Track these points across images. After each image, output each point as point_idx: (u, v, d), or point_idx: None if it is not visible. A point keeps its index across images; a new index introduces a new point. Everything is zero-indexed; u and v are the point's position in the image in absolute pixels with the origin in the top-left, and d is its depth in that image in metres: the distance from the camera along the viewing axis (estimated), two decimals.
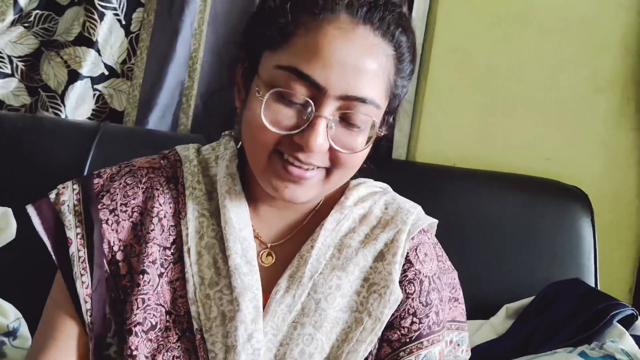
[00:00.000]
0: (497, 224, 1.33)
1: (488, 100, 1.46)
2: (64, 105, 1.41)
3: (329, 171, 0.72)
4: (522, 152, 1.46)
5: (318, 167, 0.71)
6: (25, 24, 1.42)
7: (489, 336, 1.18)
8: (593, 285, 1.27)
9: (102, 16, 1.39)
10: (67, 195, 0.79)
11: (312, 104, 0.67)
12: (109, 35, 1.42)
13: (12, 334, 1.11)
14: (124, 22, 1.43)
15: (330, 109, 0.68)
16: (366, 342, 0.74)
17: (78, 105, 1.43)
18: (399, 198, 0.85)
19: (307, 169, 0.70)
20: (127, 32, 1.44)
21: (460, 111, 1.46)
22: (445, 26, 1.44)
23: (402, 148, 1.47)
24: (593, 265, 1.29)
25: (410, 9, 1.42)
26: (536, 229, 1.33)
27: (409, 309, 0.77)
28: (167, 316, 0.74)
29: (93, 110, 1.46)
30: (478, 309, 1.22)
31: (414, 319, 0.77)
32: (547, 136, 1.45)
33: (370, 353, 0.75)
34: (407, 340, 0.76)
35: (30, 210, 0.78)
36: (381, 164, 1.43)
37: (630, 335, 1.05)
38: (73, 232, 0.76)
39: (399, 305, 0.76)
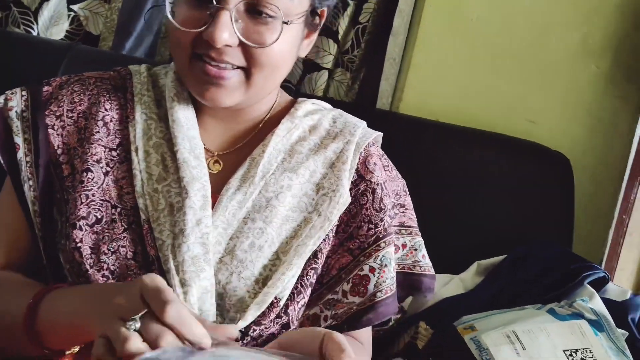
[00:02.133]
0: (476, 181, 1.31)
1: (476, 55, 1.42)
2: (37, 23, 1.35)
3: (248, 72, 0.74)
4: (506, 112, 1.43)
5: (235, 68, 0.73)
6: None
7: (457, 290, 1.16)
8: None
9: None
10: (16, 101, 0.81)
11: None
12: None
13: None
14: None
15: (233, 0, 0.69)
16: (314, 238, 0.78)
17: (51, 25, 1.36)
18: (345, 114, 0.90)
19: (225, 68, 0.72)
20: None
21: (447, 65, 1.42)
22: None
23: (387, 98, 1.43)
24: (569, 230, 1.28)
25: None
26: (515, 189, 1.31)
27: (364, 218, 0.82)
28: (113, 210, 0.76)
29: (67, 31, 1.39)
30: (448, 263, 1.20)
31: (370, 225, 0.82)
32: (532, 97, 1.43)
33: (319, 251, 0.78)
34: (366, 245, 0.81)
35: None
36: (365, 112, 1.41)
37: (600, 297, 1.05)
38: (21, 137, 0.79)
39: (356, 217, 0.82)
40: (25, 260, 0.80)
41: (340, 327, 0.80)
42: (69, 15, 1.37)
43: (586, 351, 0.93)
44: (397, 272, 0.86)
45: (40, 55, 1.25)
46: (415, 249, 0.88)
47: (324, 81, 1.42)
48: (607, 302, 1.04)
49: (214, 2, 0.69)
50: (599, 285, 1.08)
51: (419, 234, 0.90)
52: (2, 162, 0.79)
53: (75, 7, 1.38)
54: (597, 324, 0.97)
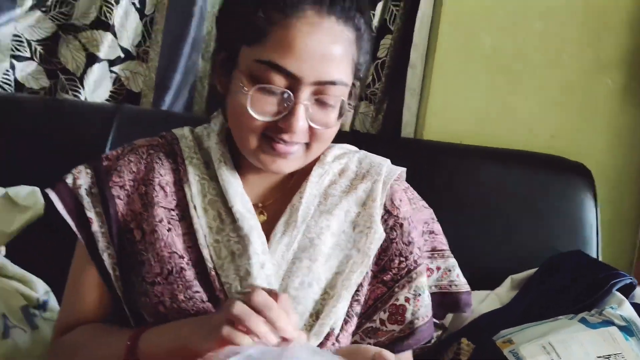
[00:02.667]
0: (503, 198, 1.38)
1: (493, 79, 1.50)
2: (83, 88, 1.46)
3: (308, 145, 0.83)
4: (527, 129, 1.50)
5: (299, 144, 0.82)
6: (43, 9, 1.46)
7: (493, 306, 1.23)
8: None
9: (117, 0, 1.43)
10: (82, 179, 0.89)
11: (291, 93, 0.78)
12: (125, 18, 1.46)
13: (42, 306, 1.17)
14: (138, 6, 1.47)
15: (306, 95, 0.79)
16: (356, 273, 0.86)
17: (96, 88, 1.48)
18: (369, 155, 0.97)
19: (291, 146, 0.81)
20: (142, 15, 1.48)
21: (466, 90, 1.50)
22: (452, 7, 1.48)
23: (410, 126, 1.52)
24: (595, 239, 1.34)
25: None
26: (541, 203, 1.38)
27: (395, 252, 0.90)
28: (180, 259, 0.84)
29: (111, 92, 1.50)
30: (484, 280, 1.27)
31: (401, 258, 0.90)
32: (552, 114, 1.50)
33: (361, 285, 0.87)
34: (399, 277, 0.89)
35: (51, 194, 0.89)
36: (390, 142, 1.50)
37: (630, 303, 1.11)
38: (92, 212, 0.87)
39: (387, 250, 0.90)
40: (107, 315, 0.90)
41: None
42: (111, 77, 1.49)
43: (618, 356, 1.00)
44: (435, 293, 0.93)
45: (91, 118, 1.36)
46: (449, 270, 0.95)
47: (349, 116, 1.51)
48: (636, 307, 1.10)
49: (292, 97, 0.78)
50: (627, 291, 1.13)
51: (451, 255, 0.96)
52: (79, 236, 0.88)
53: (116, 69, 1.49)
54: (627, 330, 1.03)
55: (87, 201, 0.88)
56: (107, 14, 1.43)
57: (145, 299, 0.84)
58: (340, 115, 0.83)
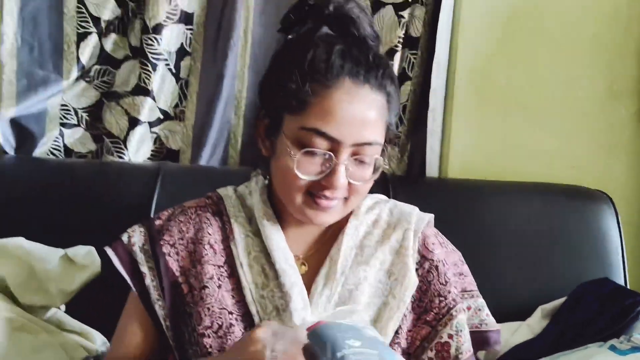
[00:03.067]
0: (527, 230, 1.44)
1: (510, 115, 1.57)
2: (127, 149, 1.57)
3: (346, 199, 0.92)
4: (547, 161, 1.57)
5: (338, 198, 0.91)
6: (87, 79, 1.58)
7: (526, 336, 1.28)
8: (622, 283, 1.36)
9: (154, 67, 1.55)
10: (137, 237, 0.99)
11: (333, 154, 0.87)
12: (162, 83, 1.58)
13: (100, 357, 1.26)
14: (174, 71, 1.59)
15: (346, 155, 0.87)
16: (393, 319, 0.92)
17: (139, 148, 1.58)
18: (398, 204, 1.05)
19: (332, 200, 0.90)
20: (177, 79, 1.59)
21: (485, 128, 1.57)
22: (465, 50, 1.56)
23: (435, 166, 1.59)
24: (621, 265, 1.39)
25: (434, 39, 1.54)
26: (565, 233, 1.43)
27: (434, 292, 0.96)
28: (230, 315, 0.92)
29: (152, 151, 1.61)
30: (515, 312, 1.33)
31: (440, 297, 0.96)
32: (570, 145, 1.56)
33: (400, 328, 0.93)
34: (440, 316, 0.95)
35: (109, 251, 0.99)
36: (416, 183, 1.57)
37: None
38: (145, 267, 0.96)
39: (427, 292, 0.96)
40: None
41: None
42: (151, 137, 1.60)
43: None
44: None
45: (137, 177, 1.46)
46: (479, 309, 1.01)
47: None
48: None
49: (333, 159, 0.86)
50: None
51: (480, 295, 1.02)
52: (134, 289, 0.96)
53: (155, 129, 1.60)
54: None
55: (140, 257, 0.96)
56: (146, 80, 1.55)
57: (195, 348, 0.91)
58: (375, 170, 0.91)
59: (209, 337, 0.91)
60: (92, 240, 1.32)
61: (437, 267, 0.97)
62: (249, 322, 0.92)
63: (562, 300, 1.32)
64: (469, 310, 1.00)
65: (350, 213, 0.99)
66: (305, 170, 0.87)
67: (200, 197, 1.05)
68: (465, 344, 0.95)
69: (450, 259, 1.01)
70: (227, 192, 1.04)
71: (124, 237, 0.99)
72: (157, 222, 0.99)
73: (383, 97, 0.90)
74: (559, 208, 1.46)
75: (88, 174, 1.48)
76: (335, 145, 0.86)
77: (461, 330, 0.95)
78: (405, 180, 1.58)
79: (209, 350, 0.90)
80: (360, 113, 0.86)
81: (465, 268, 1.04)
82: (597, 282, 1.30)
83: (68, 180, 1.46)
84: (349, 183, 0.89)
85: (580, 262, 1.40)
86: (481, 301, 1.02)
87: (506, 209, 1.46)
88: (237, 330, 0.91)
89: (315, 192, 0.89)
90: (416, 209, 1.04)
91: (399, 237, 0.98)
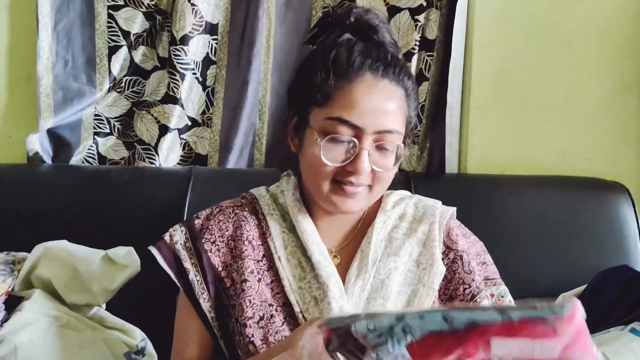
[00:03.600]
0: (547, 222, 1.48)
1: (525, 110, 1.61)
2: (158, 155, 1.64)
3: (371, 187, 0.96)
4: (563, 154, 1.61)
5: (363, 185, 0.95)
6: (118, 89, 1.66)
7: None
8: None
9: (182, 76, 1.62)
10: (178, 235, 1.04)
11: (356, 141, 0.92)
12: (190, 91, 1.65)
13: (141, 352, 1.32)
14: (200, 79, 1.66)
15: (369, 142, 0.93)
16: (424, 306, 0.97)
17: (169, 154, 1.66)
18: (423, 198, 1.11)
19: (357, 187, 0.94)
20: (204, 87, 1.67)
21: (502, 124, 1.62)
22: (480, 50, 1.61)
23: (454, 162, 1.64)
24: (638, 254, 1.42)
25: (449, 41, 1.60)
26: (584, 223, 1.47)
27: (458, 281, 1.01)
28: (270, 307, 0.97)
29: (181, 156, 1.68)
30: (537, 301, 1.36)
31: (465, 285, 1.01)
32: (584, 138, 1.60)
33: None
34: (466, 302, 1.00)
35: (153, 250, 1.04)
36: (436, 179, 1.62)
37: None
38: (189, 263, 1.02)
39: (452, 281, 1.01)
40: (210, 355, 1.03)
41: None
42: (181, 143, 1.67)
43: None
44: None
45: (169, 181, 1.53)
46: (502, 296, 1.04)
47: None
48: None
49: (357, 144, 0.92)
50: None
51: (502, 283, 1.06)
52: (179, 284, 1.02)
53: (184, 136, 1.68)
54: None
55: (183, 254, 1.02)
56: (175, 89, 1.62)
57: (239, 338, 0.97)
58: (397, 159, 0.96)
59: (251, 327, 0.96)
60: (130, 241, 1.39)
61: (461, 257, 1.02)
62: (288, 312, 0.97)
63: (582, 287, 1.36)
64: (492, 297, 1.04)
65: (378, 209, 1.05)
66: (331, 157, 0.93)
67: (235, 198, 1.11)
68: None
69: (473, 249, 1.06)
70: (260, 192, 1.10)
71: (166, 237, 1.05)
72: (197, 222, 1.05)
73: (401, 90, 0.96)
74: (577, 199, 1.50)
75: (123, 179, 1.54)
76: (358, 133, 0.92)
77: None
78: (425, 176, 1.63)
79: (252, 339, 0.95)
80: (380, 103, 0.93)
81: (488, 257, 1.08)
82: (617, 269, 1.34)
83: (105, 186, 1.53)
84: (373, 170, 0.94)
85: (599, 251, 1.44)
86: (504, 288, 1.06)
87: (525, 202, 1.50)
88: (278, 321, 0.96)
89: (341, 179, 0.94)
90: (439, 202, 1.10)
91: (425, 229, 1.04)
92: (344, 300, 0.96)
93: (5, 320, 1.27)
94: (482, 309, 0.64)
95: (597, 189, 1.51)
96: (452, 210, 1.09)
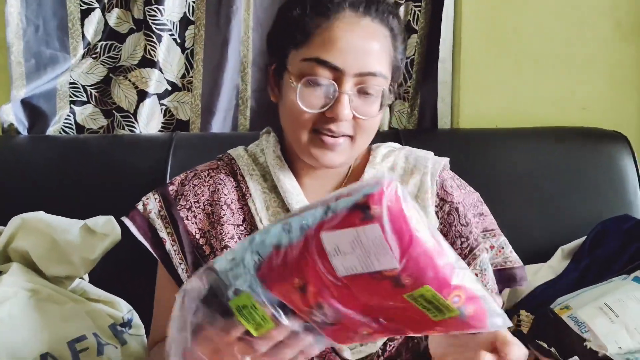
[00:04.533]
0: (544, 174, 1.43)
1: (519, 60, 1.56)
2: (137, 122, 1.58)
3: (353, 138, 0.90)
4: (558, 105, 1.55)
5: (345, 136, 0.89)
6: (93, 55, 1.58)
7: (547, 277, 1.28)
8: None
9: (159, 38, 1.55)
10: (152, 204, 0.99)
11: (335, 84, 0.86)
12: (168, 54, 1.58)
13: (127, 324, 1.28)
14: (179, 41, 1.59)
15: (349, 85, 0.86)
16: None
17: (149, 121, 1.59)
18: (414, 150, 1.04)
19: (338, 137, 0.88)
20: (183, 49, 1.59)
21: (495, 75, 1.56)
22: None
23: (446, 117, 1.58)
24: (638, 203, 1.37)
25: None
26: (582, 174, 1.43)
27: (455, 234, 0.96)
28: None
29: (162, 123, 1.62)
30: (535, 254, 1.33)
31: (462, 239, 0.96)
32: (580, 86, 1.55)
33: None
34: (464, 256, 0.94)
35: (126, 221, 1.00)
36: (428, 135, 1.57)
37: None
38: (164, 232, 0.97)
39: (448, 234, 0.96)
40: None
41: None
42: (161, 109, 1.61)
43: None
44: (493, 271, 0.99)
45: (150, 148, 1.47)
46: (502, 247, 1.01)
47: (386, 116, 1.58)
48: None
49: (337, 89, 0.85)
50: None
51: (502, 234, 1.03)
52: (155, 255, 0.97)
53: (164, 101, 1.61)
54: None
55: (158, 223, 0.97)
56: (152, 52, 1.55)
57: None
58: (382, 106, 0.90)
59: None
60: (110, 211, 1.32)
61: (457, 209, 0.97)
62: None
63: (581, 240, 1.32)
64: (492, 249, 1.00)
65: (366, 163, 0.99)
66: (309, 102, 0.87)
67: (211, 161, 1.05)
68: (489, 282, 0.95)
69: (469, 200, 1.01)
70: (237, 152, 1.04)
71: (139, 206, 1.00)
72: (171, 188, 1.00)
73: (386, 30, 0.90)
74: (575, 150, 1.45)
75: (102, 147, 1.49)
76: (338, 75, 0.86)
77: (485, 269, 0.95)
78: (417, 133, 1.58)
79: None
80: (362, 42, 0.86)
81: (485, 208, 1.04)
82: (618, 219, 1.30)
83: (82, 155, 1.47)
84: (355, 118, 0.88)
85: (598, 202, 1.40)
86: (503, 239, 1.02)
87: (521, 155, 1.46)
88: None
89: (320, 128, 0.88)
90: (431, 153, 1.04)
91: (416, 181, 0.98)
92: None
93: None
94: (313, 208, 0.58)
95: (595, 139, 1.46)
96: (445, 160, 1.04)
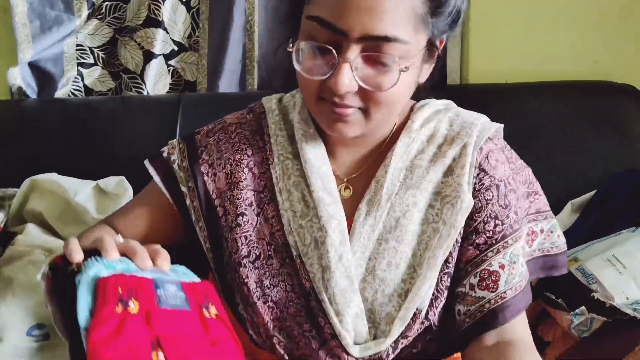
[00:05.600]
0: (555, 129, 1.42)
1: (530, 14, 1.53)
2: (145, 84, 1.58)
3: (367, 111, 0.76)
4: (569, 59, 1.53)
5: (353, 107, 0.76)
6: (99, 16, 1.57)
7: None
8: None
9: None
10: (176, 154, 0.92)
11: (334, 50, 0.72)
12: (173, 13, 1.56)
13: None
14: (184, 0, 1.57)
15: (353, 52, 0.72)
16: (443, 248, 0.81)
17: (156, 82, 1.59)
18: (462, 112, 0.90)
19: (347, 108, 0.75)
20: (188, 8, 1.58)
21: (504, 30, 1.54)
22: None
23: (456, 73, 1.57)
24: None
25: None
26: (592, 128, 1.41)
27: (490, 214, 0.83)
28: (268, 247, 0.85)
29: (170, 84, 1.61)
30: None
31: (497, 221, 0.83)
32: (592, 40, 1.52)
33: (450, 256, 0.82)
34: (494, 241, 0.82)
35: (150, 168, 0.93)
36: (438, 91, 1.55)
37: None
38: (185, 187, 0.90)
39: (481, 211, 0.83)
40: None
41: (477, 327, 0.82)
42: (168, 70, 1.60)
43: None
44: (537, 257, 0.89)
45: (158, 109, 1.48)
46: (552, 231, 0.91)
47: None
48: None
49: (336, 56, 0.72)
50: None
51: (553, 216, 0.92)
52: (175, 206, 0.90)
53: (171, 62, 1.60)
54: None
55: (180, 176, 0.90)
56: (156, 12, 1.54)
57: (233, 275, 0.86)
58: (398, 78, 0.72)
59: (246, 267, 0.84)
60: (120, 172, 1.35)
61: (497, 187, 0.83)
62: (287, 254, 0.84)
63: (591, 193, 1.31)
64: (542, 233, 0.90)
65: (403, 128, 0.86)
66: (308, 68, 0.75)
67: (242, 110, 0.95)
68: (516, 277, 0.82)
69: (520, 177, 0.89)
70: (270, 104, 0.93)
71: (164, 153, 0.93)
72: (198, 138, 0.92)
73: None
74: (585, 104, 1.44)
75: (110, 109, 1.49)
76: (340, 39, 0.71)
77: (515, 262, 0.82)
78: (425, 90, 1.56)
79: (246, 280, 0.84)
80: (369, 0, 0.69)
81: (538, 186, 0.92)
82: (628, 173, 1.29)
83: (92, 117, 1.47)
84: (362, 89, 0.74)
85: (609, 156, 1.38)
86: (554, 222, 0.92)
87: (531, 110, 1.44)
88: (275, 262, 0.84)
89: (325, 97, 0.76)
90: (483, 117, 0.89)
91: (455, 154, 0.85)
92: (346, 247, 0.81)
93: (0, 255, 1.25)
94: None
95: (606, 92, 1.44)
96: (496, 127, 0.88)
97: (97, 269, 0.62)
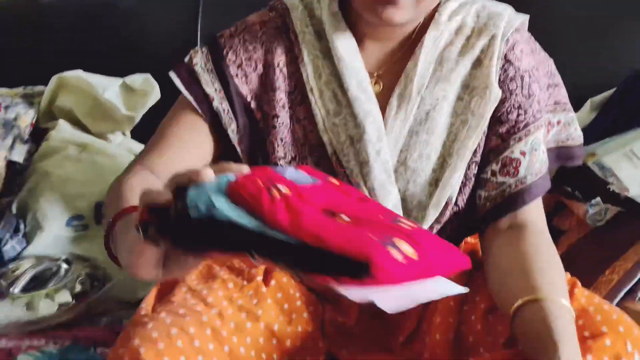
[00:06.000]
0: (574, 26, 1.40)
1: None
2: None
3: None
4: None
5: None
6: None
7: None
8: None
9: None
10: (199, 57, 0.88)
11: None
12: None
13: None
14: None
15: None
16: (472, 138, 0.84)
17: None
18: (488, 4, 0.89)
19: None
20: None
21: None
22: None
23: None
24: None
25: None
26: (611, 23, 1.39)
27: (514, 104, 0.85)
28: (302, 147, 0.86)
29: None
30: None
31: (520, 111, 0.85)
32: None
33: (477, 146, 0.85)
34: (516, 130, 0.85)
35: (172, 75, 0.88)
36: None
37: None
38: (211, 87, 0.86)
39: (505, 102, 0.85)
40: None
41: (497, 210, 0.85)
42: None
43: None
44: (552, 148, 0.91)
45: (177, 9, 1.47)
46: (569, 123, 0.93)
47: None
48: None
49: None
50: None
51: (572, 109, 0.94)
52: (200, 111, 0.85)
53: None
54: None
55: (204, 77, 0.86)
56: None
57: None
58: None
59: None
60: (143, 69, 1.37)
61: (522, 78, 0.86)
62: (322, 153, 0.86)
63: (611, 91, 1.32)
64: (559, 124, 0.92)
65: (430, 23, 0.86)
66: None
67: (263, 9, 0.91)
68: (537, 164, 0.86)
69: (543, 68, 0.90)
70: (293, 1, 0.90)
71: (186, 58, 0.89)
72: (220, 40, 0.88)
73: None
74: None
75: (131, 7, 1.48)
76: None
77: (536, 150, 0.85)
78: None
79: None
80: None
81: (559, 78, 0.93)
82: None
83: (113, 16, 1.47)
84: None
85: (628, 52, 1.37)
86: (572, 115, 0.94)
87: (549, 6, 1.40)
88: (310, 163, 0.86)
89: None
90: (509, 8, 0.89)
91: (483, 45, 0.85)
92: (383, 142, 0.83)
93: (35, 151, 1.30)
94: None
95: None
96: (522, 19, 0.89)
97: (210, 187, 0.49)
